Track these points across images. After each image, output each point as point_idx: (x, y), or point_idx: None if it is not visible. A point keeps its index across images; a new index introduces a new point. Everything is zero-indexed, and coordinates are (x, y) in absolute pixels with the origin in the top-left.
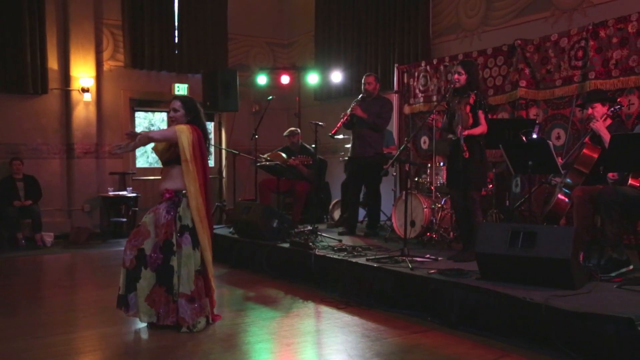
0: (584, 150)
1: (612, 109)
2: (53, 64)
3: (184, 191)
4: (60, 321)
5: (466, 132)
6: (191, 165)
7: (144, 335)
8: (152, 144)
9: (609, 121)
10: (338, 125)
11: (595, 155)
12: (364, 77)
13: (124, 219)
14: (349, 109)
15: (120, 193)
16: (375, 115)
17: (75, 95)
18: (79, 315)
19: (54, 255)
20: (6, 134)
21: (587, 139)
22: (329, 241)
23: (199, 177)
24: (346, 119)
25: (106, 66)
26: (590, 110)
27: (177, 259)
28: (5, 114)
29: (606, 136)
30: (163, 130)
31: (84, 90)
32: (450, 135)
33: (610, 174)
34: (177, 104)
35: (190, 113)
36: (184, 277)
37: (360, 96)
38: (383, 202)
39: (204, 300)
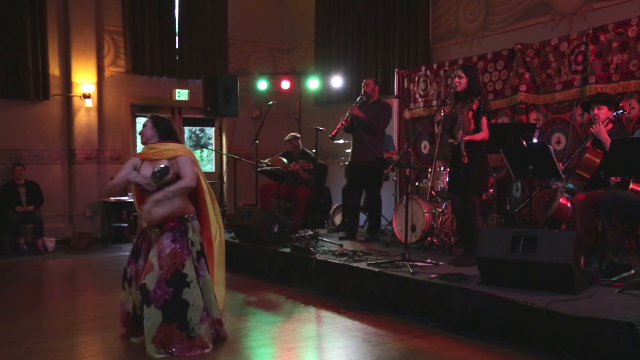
0: (586, 155)
1: (615, 113)
2: (54, 70)
3: (186, 215)
4: (62, 326)
5: (467, 138)
6: (210, 194)
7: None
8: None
9: (610, 125)
10: (337, 126)
11: (597, 160)
12: (363, 81)
13: (125, 224)
14: (348, 111)
15: (122, 198)
16: (373, 117)
17: (76, 101)
18: (80, 320)
19: (55, 260)
20: (8, 140)
21: (588, 144)
22: (329, 246)
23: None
24: (346, 119)
25: (107, 72)
26: (596, 111)
27: (202, 286)
28: (7, 120)
29: (606, 140)
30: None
31: (85, 96)
32: (451, 140)
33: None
34: (147, 121)
35: (160, 131)
36: (213, 302)
37: (359, 99)
38: (384, 207)
39: None
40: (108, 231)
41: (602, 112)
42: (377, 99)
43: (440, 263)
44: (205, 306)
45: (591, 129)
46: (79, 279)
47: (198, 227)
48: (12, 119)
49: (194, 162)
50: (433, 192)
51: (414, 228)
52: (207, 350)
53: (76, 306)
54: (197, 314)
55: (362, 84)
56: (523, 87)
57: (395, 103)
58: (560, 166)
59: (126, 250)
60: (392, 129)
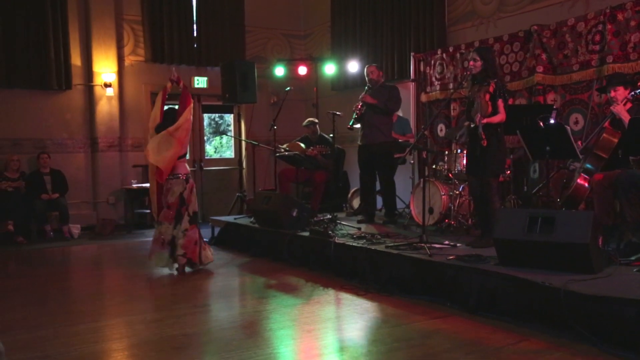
0: (604, 135)
1: (633, 92)
2: (76, 60)
3: None
4: (88, 310)
5: (485, 120)
6: None
7: (169, 323)
8: None
9: (629, 105)
10: (355, 116)
11: (615, 140)
12: (365, 68)
13: (148, 210)
14: (360, 101)
15: (144, 185)
16: (385, 100)
17: (98, 90)
18: (106, 303)
19: (81, 246)
20: (33, 130)
21: (606, 124)
22: (348, 229)
23: None
24: (360, 108)
25: (127, 61)
26: (612, 93)
27: None
28: (32, 109)
29: (627, 119)
30: None
31: (107, 85)
32: (467, 123)
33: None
34: None
35: None
36: None
37: (366, 87)
38: (402, 190)
39: None
40: (131, 217)
41: (619, 93)
42: (383, 83)
43: (458, 245)
44: None
45: (611, 108)
46: (104, 265)
47: None
48: (36, 108)
49: None
50: (450, 175)
51: (431, 210)
52: None
53: (101, 291)
54: None
55: (365, 72)
56: (540, 68)
57: (411, 87)
58: (579, 144)
59: (149, 236)
60: (409, 113)
